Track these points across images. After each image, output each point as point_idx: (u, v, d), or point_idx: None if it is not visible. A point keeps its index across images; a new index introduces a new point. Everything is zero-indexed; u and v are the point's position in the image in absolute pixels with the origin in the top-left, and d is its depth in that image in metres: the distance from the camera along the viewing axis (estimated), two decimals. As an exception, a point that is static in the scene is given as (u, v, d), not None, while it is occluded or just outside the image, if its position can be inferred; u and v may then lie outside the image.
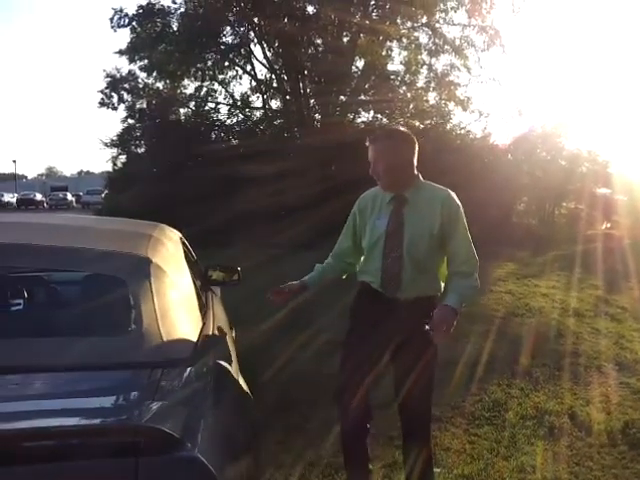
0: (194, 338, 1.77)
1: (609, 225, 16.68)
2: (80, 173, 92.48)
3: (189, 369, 1.58)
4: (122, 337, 1.63)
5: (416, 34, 18.32)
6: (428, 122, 17.38)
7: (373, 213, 2.43)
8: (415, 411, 2.47)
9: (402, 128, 2.55)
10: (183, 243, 2.64)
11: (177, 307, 1.80)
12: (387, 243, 2.36)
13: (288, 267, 7.02)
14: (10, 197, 43.41)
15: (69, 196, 45.92)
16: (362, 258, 2.51)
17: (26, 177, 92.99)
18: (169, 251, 2.07)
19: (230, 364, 1.96)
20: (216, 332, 2.11)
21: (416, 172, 2.44)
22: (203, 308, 2.31)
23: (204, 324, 2.02)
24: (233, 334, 2.52)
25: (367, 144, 2.40)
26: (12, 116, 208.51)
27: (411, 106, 17.95)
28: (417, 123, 17.34)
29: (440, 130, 16.60)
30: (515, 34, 33.49)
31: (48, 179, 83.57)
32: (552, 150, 18.52)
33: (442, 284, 2.43)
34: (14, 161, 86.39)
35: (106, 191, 18.93)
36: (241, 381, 1.96)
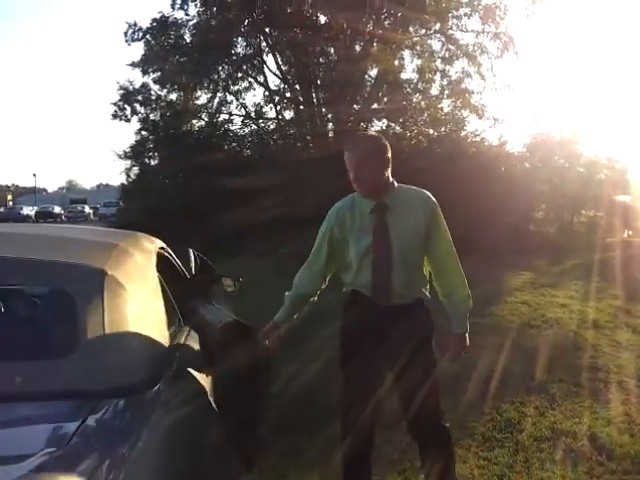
0: (148, 363, 1.55)
1: (630, 233, 16.26)
2: (99, 186, 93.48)
3: (131, 401, 1.37)
4: (58, 361, 1.42)
5: (429, 41, 18.20)
6: (442, 130, 17.17)
7: (354, 225, 2.34)
8: (428, 422, 2.38)
9: (374, 133, 2.61)
10: (163, 254, 2.43)
11: (134, 327, 1.58)
12: (376, 254, 2.30)
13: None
14: (29, 210, 43.85)
15: (87, 209, 46.35)
16: (349, 272, 2.39)
17: (46, 190, 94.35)
18: (136, 263, 1.86)
19: (195, 396, 1.70)
20: (184, 357, 1.87)
21: (391, 178, 2.37)
22: (175, 327, 2.10)
23: (170, 346, 1.79)
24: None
25: (346, 153, 2.31)
26: (32, 130, 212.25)
27: (425, 114, 17.75)
28: (431, 131, 17.16)
29: (454, 138, 16.36)
30: (529, 40, 33.15)
31: (68, 192, 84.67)
32: (570, 157, 18.18)
33: (427, 282, 2.43)
34: (34, 175, 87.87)
35: (120, 203, 18.95)
36: (207, 419, 1.70)
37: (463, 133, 16.96)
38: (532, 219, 17.20)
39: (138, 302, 1.67)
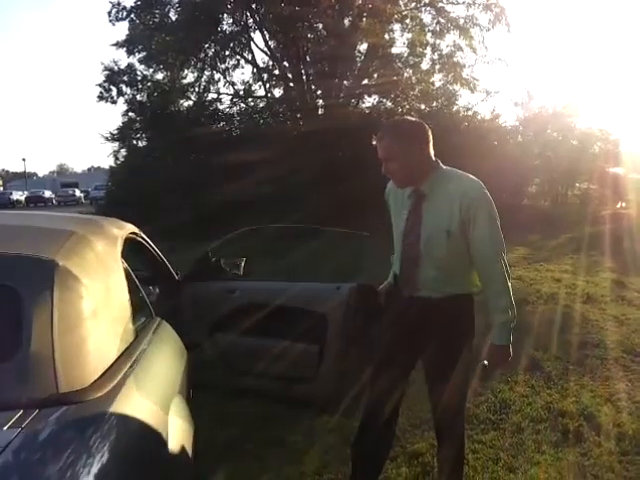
0: (103, 365, 1.38)
1: (624, 204, 16.18)
2: (90, 169, 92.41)
3: (79, 410, 1.22)
4: None
5: (419, 15, 17.86)
6: (434, 104, 16.95)
7: (397, 207, 2.25)
8: (447, 412, 2.27)
9: (410, 118, 2.29)
10: (135, 240, 2.24)
11: (89, 325, 1.42)
12: (405, 241, 2.17)
13: (291, 253, 6.71)
14: (19, 195, 43.39)
15: (77, 192, 45.94)
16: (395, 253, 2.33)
17: (37, 175, 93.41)
18: (95, 252, 1.67)
19: (156, 404, 1.54)
20: (147, 356, 1.70)
21: (434, 159, 2.16)
22: (145, 319, 1.94)
23: (130, 345, 1.62)
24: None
25: (374, 142, 2.15)
26: (22, 115, 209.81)
27: (416, 89, 17.49)
28: (423, 106, 16.93)
29: (446, 112, 16.15)
30: (521, 12, 32.76)
31: (59, 176, 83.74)
32: (563, 130, 18.03)
33: (469, 279, 2.20)
34: (23, 159, 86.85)
35: (110, 185, 18.62)
36: (171, 434, 1.51)
37: (455, 108, 16.78)
38: (526, 193, 17.10)
39: (96, 296, 1.50)
